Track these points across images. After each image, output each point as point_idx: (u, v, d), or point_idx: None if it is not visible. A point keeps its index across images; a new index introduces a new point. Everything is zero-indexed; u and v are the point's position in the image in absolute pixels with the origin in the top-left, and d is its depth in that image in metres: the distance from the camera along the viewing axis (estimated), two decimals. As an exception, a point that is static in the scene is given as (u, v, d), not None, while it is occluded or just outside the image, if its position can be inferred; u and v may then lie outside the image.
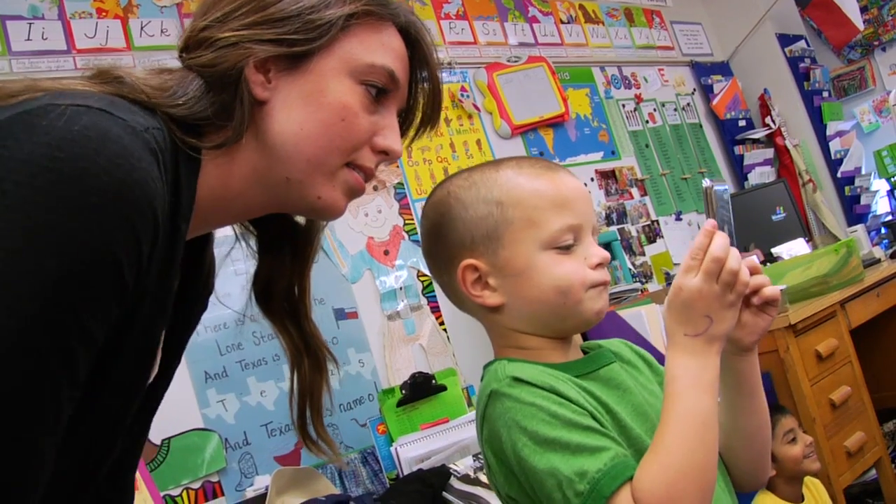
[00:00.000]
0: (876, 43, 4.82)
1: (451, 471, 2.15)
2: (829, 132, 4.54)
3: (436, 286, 2.88)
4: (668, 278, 3.57)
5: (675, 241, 3.92)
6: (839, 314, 2.91)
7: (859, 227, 3.93)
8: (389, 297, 2.84)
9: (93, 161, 0.62)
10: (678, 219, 4.00)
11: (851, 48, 4.89)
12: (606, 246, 3.27)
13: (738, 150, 4.45)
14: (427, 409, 2.46)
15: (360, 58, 0.84)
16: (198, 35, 0.82)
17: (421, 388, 2.46)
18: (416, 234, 2.98)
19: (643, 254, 3.76)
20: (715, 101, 4.45)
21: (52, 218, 0.60)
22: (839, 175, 4.52)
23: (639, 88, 4.18)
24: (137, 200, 0.65)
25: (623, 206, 3.78)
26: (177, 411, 2.27)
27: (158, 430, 2.23)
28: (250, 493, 2.21)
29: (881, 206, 4.60)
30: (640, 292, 3.14)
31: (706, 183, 0.95)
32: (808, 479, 2.51)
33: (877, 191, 4.61)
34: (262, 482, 2.24)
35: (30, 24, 2.34)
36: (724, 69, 4.66)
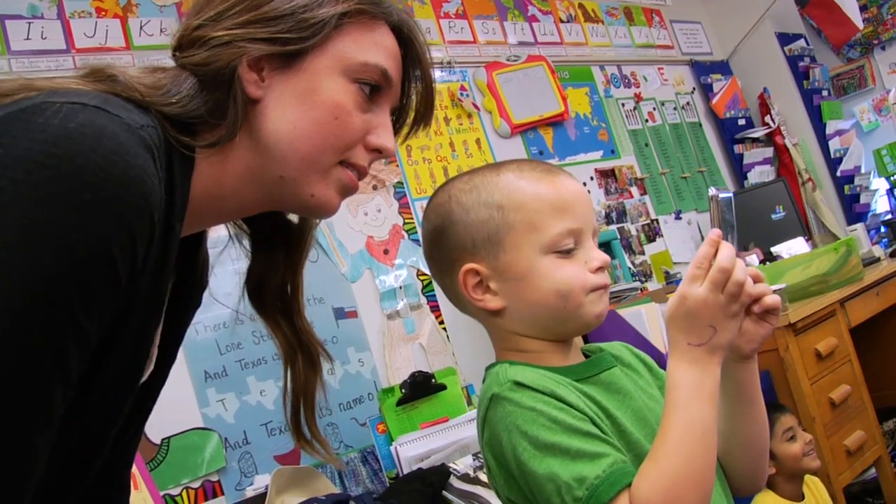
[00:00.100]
0: (875, 42, 4.82)
1: (450, 470, 2.15)
2: (828, 131, 4.54)
3: (436, 287, 2.88)
4: (668, 277, 3.57)
5: (675, 240, 3.92)
6: (839, 313, 2.91)
7: (859, 226, 3.93)
8: (389, 296, 2.84)
9: (89, 158, 0.62)
10: (678, 218, 4.00)
11: (851, 47, 4.89)
12: (606, 245, 3.28)
13: (737, 149, 4.45)
14: (427, 408, 2.46)
15: (354, 56, 0.85)
16: (191, 34, 0.82)
17: (420, 387, 2.46)
18: (416, 233, 2.98)
19: (643, 253, 3.76)
20: (714, 100, 4.45)
21: (48, 214, 0.60)
22: (839, 174, 4.52)
23: (638, 87, 4.18)
24: (134, 197, 0.65)
25: (622, 205, 3.78)
26: (176, 410, 2.27)
27: (158, 430, 2.23)
28: (250, 492, 2.21)
29: (881, 204, 4.60)
30: (639, 291, 3.14)
31: (712, 191, 0.95)
32: (808, 477, 2.51)
33: (876, 189, 4.60)
34: (261, 481, 2.24)
35: (29, 23, 2.34)
36: (723, 68, 4.66)
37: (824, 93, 4.64)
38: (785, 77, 4.56)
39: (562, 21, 3.97)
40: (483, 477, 2.04)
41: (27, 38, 2.33)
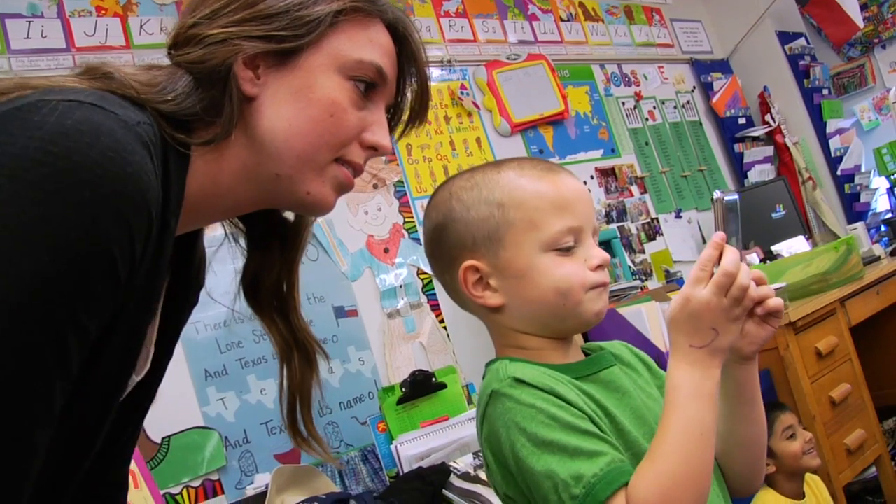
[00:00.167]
0: (876, 40, 4.82)
1: (451, 468, 2.15)
2: (828, 130, 4.54)
3: (437, 285, 2.88)
4: (668, 276, 3.57)
5: (675, 239, 3.92)
6: (839, 312, 2.91)
7: (859, 225, 3.93)
8: (389, 295, 2.84)
9: (86, 155, 0.62)
10: (678, 216, 4.00)
11: (851, 46, 4.88)
12: (606, 244, 3.27)
13: (737, 147, 4.45)
14: (427, 406, 2.46)
15: (349, 54, 0.85)
16: (186, 32, 0.82)
17: (421, 385, 2.46)
18: (416, 231, 2.98)
19: (643, 251, 3.76)
20: (715, 99, 4.45)
21: (46, 212, 0.60)
22: (839, 173, 4.52)
23: (638, 86, 4.18)
24: (131, 194, 0.65)
25: (623, 203, 3.78)
26: (177, 409, 2.27)
27: (158, 429, 2.23)
28: (250, 491, 2.21)
29: (881, 203, 4.60)
30: (639, 290, 3.14)
31: (716, 194, 0.95)
32: (808, 476, 2.51)
33: (876, 188, 4.60)
34: (262, 480, 2.24)
35: (29, 22, 2.34)
36: (723, 67, 4.66)
37: (825, 91, 4.63)
38: (785, 76, 4.56)
39: (562, 20, 3.97)
40: (483, 475, 2.04)
41: (27, 37, 2.33)
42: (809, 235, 4.05)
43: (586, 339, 1.19)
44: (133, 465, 1.86)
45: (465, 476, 2.11)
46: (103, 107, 0.67)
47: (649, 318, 2.65)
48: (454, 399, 2.51)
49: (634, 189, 3.87)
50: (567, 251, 0.99)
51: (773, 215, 4.04)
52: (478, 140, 3.35)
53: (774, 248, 3.51)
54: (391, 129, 0.95)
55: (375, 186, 2.95)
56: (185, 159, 0.79)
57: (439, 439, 2.31)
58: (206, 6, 0.82)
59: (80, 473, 0.78)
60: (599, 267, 1.00)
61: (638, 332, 2.61)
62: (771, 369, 2.65)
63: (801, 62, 4.59)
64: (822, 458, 2.49)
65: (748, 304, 0.91)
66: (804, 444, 2.42)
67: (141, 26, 2.54)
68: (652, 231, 3.85)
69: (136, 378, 0.85)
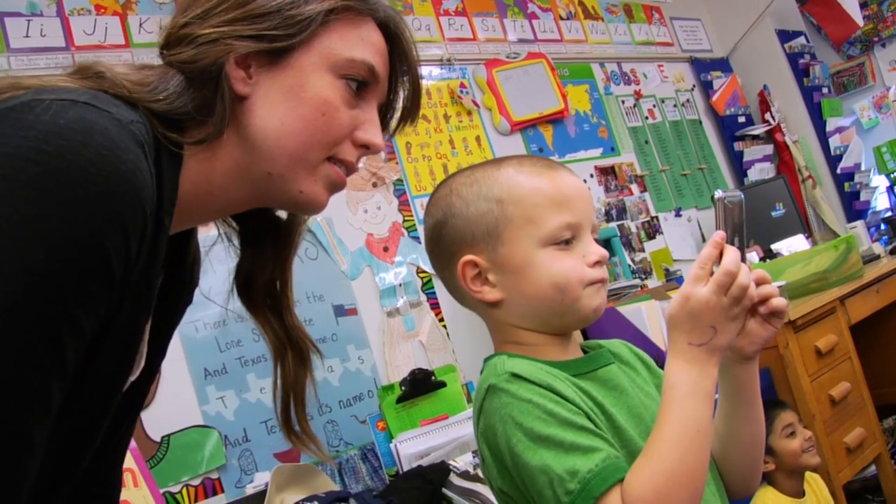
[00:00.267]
0: (876, 39, 4.82)
1: (450, 467, 2.15)
2: (828, 128, 4.54)
3: (437, 282, 2.89)
4: (668, 274, 3.57)
5: (675, 238, 3.92)
6: (839, 310, 2.91)
7: (859, 224, 3.93)
8: (389, 293, 2.84)
9: (80, 154, 0.63)
10: (678, 215, 4.00)
11: (851, 44, 4.88)
12: (606, 242, 3.27)
13: (737, 146, 4.45)
14: (426, 405, 2.46)
15: (340, 53, 0.85)
16: (178, 32, 0.83)
17: (420, 384, 2.46)
18: (416, 230, 2.98)
19: (643, 250, 3.76)
20: (714, 98, 4.45)
21: (41, 210, 0.61)
22: (839, 171, 4.52)
23: (638, 84, 4.18)
24: (126, 192, 0.65)
25: (622, 202, 3.78)
26: (176, 408, 2.27)
27: (158, 427, 2.23)
28: (250, 489, 2.21)
29: (881, 202, 4.60)
30: (639, 288, 3.14)
31: (718, 194, 0.95)
32: (808, 474, 2.52)
33: (876, 187, 4.60)
34: (261, 479, 2.24)
35: (28, 20, 2.34)
36: (723, 65, 4.66)
37: (824, 90, 4.64)
38: (785, 74, 4.56)
39: (562, 18, 3.97)
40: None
41: (26, 36, 2.33)
42: (809, 234, 4.06)
43: (585, 338, 1.19)
44: (133, 464, 1.86)
45: (465, 475, 2.11)
46: (96, 105, 0.67)
47: (649, 316, 2.65)
48: (454, 397, 2.51)
49: (634, 187, 3.87)
50: (565, 247, 0.99)
51: (773, 214, 4.04)
52: (477, 139, 3.35)
53: (774, 246, 3.51)
54: (383, 128, 0.95)
55: (375, 185, 2.95)
56: (177, 158, 0.79)
57: (439, 438, 2.31)
58: (197, 6, 0.83)
59: (78, 473, 0.78)
60: (597, 263, 1.00)
61: (637, 331, 2.61)
62: (771, 368, 2.65)
63: (801, 60, 4.60)
64: (821, 457, 2.49)
65: (747, 303, 0.91)
66: (804, 443, 2.43)
67: (140, 25, 2.54)
68: (652, 229, 3.85)
69: (132, 377, 0.85)
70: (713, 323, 0.90)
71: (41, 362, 0.62)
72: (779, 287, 0.99)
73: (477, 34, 3.56)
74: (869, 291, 3.10)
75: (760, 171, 4.40)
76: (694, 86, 4.49)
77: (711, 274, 0.90)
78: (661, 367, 0.99)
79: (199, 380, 2.35)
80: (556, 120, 3.65)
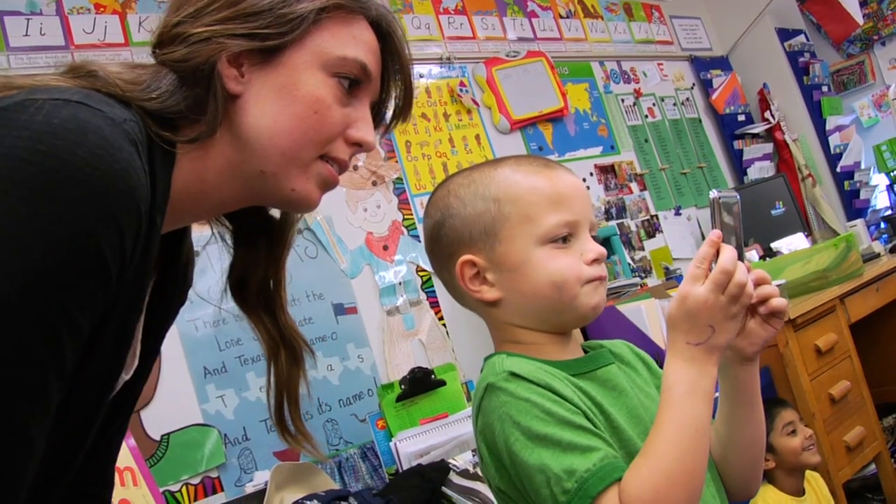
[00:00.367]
0: (875, 37, 4.81)
1: (450, 465, 2.15)
2: (828, 127, 4.54)
3: (437, 281, 2.88)
4: (668, 273, 3.57)
5: (675, 236, 3.92)
6: (838, 309, 2.91)
7: (858, 222, 3.93)
8: (388, 292, 2.84)
9: (74, 153, 0.63)
10: (677, 213, 4.00)
11: (851, 42, 4.88)
12: (606, 241, 3.27)
13: (737, 144, 4.45)
14: (426, 404, 2.46)
15: (332, 51, 0.85)
16: (171, 31, 0.83)
17: (420, 383, 2.46)
18: (416, 229, 2.98)
19: (642, 248, 3.76)
20: (714, 96, 4.45)
21: (36, 210, 0.61)
22: (838, 170, 4.52)
23: (638, 83, 4.17)
24: (120, 192, 0.65)
25: (622, 200, 3.78)
26: (176, 407, 2.27)
27: (157, 426, 2.23)
28: (250, 488, 2.21)
29: (880, 200, 4.60)
30: (639, 287, 3.14)
31: (713, 194, 0.94)
32: (808, 473, 2.52)
33: (876, 185, 4.60)
34: (261, 477, 2.24)
35: (28, 19, 2.34)
36: (723, 64, 4.66)
37: (824, 88, 4.63)
38: (785, 73, 4.56)
39: (561, 17, 3.97)
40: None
41: (26, 35, 2.32)
42: (809, 232, 4.06)
43: (586, 337, 1.19)
44: (132, 463, 1.86)
45: (465, 473, 2.11)
46: (89, 105, 0.67)
47: (648, 315, 2.65)
48: (453, 396, 2.51)
49: (634, 186, 3.87)
50: (563, 245, 0.99)
51: (773, 212, 4.04)
52: (477, 137, 3.35)
53: (774, 245, 3.51)
54: (376, 126, 0.95)
55: (374, 184, 2.95)
56: (170, 157, 0.79)
57: (439, 436, 2.31)
58: (189, 5, 0.83)
59: (71, 472, 0.78)
60: (595, 261, 1.00)
61: (637, 330, 2.61)
62: (770, 366, 2.65)
63: (801, 59, 4.59)
64: (821, 456, 2.49)
65: (746, 301, 0.91)
66: (804, 441, 2.43)
67: (140, 23, 2.54)
68: (651, 228, 3.85)
69: (126, 377, 0.85)
70: (711, 322, 0.89)
71: (41, 361, 0.62)
72: (778, 286, 0.99)
73: (476, 33, 3.55)
74: (869, 290, 3.10)
75: (760, 170, 4.40)
76: (693, 84, 4.49)
77: (709, 273, 0.90)
78: (662, 366, 0.99)
79: (199, 378, 2.35)
80: (555, 118, 3.65)
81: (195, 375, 2.34)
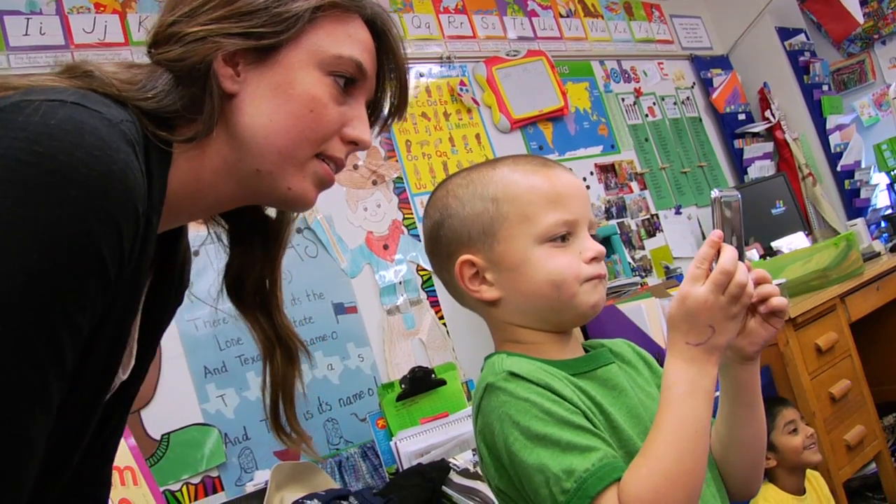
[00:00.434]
0: (876, 36, 4.81)
1: (450, 465, 2.15)
2: (828, 126, 4.54)
3: (437, 282, 2.88)
4: (668, 272, 3.57)
5: (675, 235, 3.92)
6: (839, 308, 2.91)
7: (859, 221, 3.93)
8: (389, 291, 2.84)
9: (71, 154, 0.63)
10: (678, 213, 4.00)
11: (851, 41, 4.88)
12: (606, 240, 3.27)
13: (737, 143, 4.45)
14: (427, 403, 2.46)
15: (328, 49, 0.85)
16: (166, 30, 0.83)
17: (420, 382, 2.46)
18: (416, 228, 2.98)
19: (643, 248, 3.76)
20: (714, 95, 4.45)
21: (34, 212, 0.61)
22: (839, 169, 4.52)
23: (638, 82, 4.17)
24: (118, 192, 0.65)
25: (622, 199, 3.78)
26: (176, 406, 2.27)
27: (158, 426, 2.23)
28: (250, 487, 2.21)
29: (881, 199, 4.60)
30: (639, 286, 3.14)
31: (715, 193, 0.94)
32: (809, 472, 2.52)
33: (876, 184, 4.60)
34: (261, 477, 2.24)
35: (28, 18, 2.34)
36: (723, 63, 4.66)
37: (825, 87, 4.63)
38: (785, 72, 4.56)
39: (561, 16, 3.97)
40: (483, 472, 2.04)
41: (26, 34, 2.32)
42: (809, 231, 4.06)
43: (586, 336, 1.19)
44: (132, 462, 1.86)
45: (465, 472, 2.11)
46: (86, 105, 0.67)
47: (649, 314, 2.65)
48: (454, 395, 2.51)
49: (634, 185, 3.87)
50: (561, 244, 0.99)
51: (773, 211, 4.04)
52: (477, 136, 3.34)
53: (774, 244, 3.51)
54: (371, 124, 0.95)
55: (375, 183, 2.95)
56: (166, 157, 0.79)
57: (439, 436, 2.31)
58: (185, 4, 0.83)
59: (68, 473, 0.78)
60: (594, 259, 1.00)
61: (638, 329, 2.61)
62: (771, 365, 2.65)
63: (801, 58, 4.59)
64: (822, 455, 2.49)
65: (746, 301, 0.91)
66: (806, 439, 2.43)
67: (140, 23, 2.54)
68: (652, 227, 3.85)
69: (123, 377, 0.85)
70: (711, 322, 0.89)
71: (41, 362, 0.62)
72: (779, 285, 0.99)
73: (477, 32, 3.55)
74: (869, 289, 3.10)
75: (760, 169, 4.40)
76: (694, 83, 4.49)
77: (709, 273, 0.90)
78: (663, 365, 0.99)
79: (199, 378, 2.35)
80: (555, 117, 3.65)
81: (195, 375, 2.34)
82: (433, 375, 2.51)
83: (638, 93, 4.13)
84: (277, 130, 0.83)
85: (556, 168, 1.05)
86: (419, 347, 2.84)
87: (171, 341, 2.32)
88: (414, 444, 2.29)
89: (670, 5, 4.56)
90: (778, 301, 0.95)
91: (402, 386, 2.45)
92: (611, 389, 1.01)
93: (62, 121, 0.64)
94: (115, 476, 1.81)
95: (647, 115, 4.12)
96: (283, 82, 0.83)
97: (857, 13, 4.42)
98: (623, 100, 4.04)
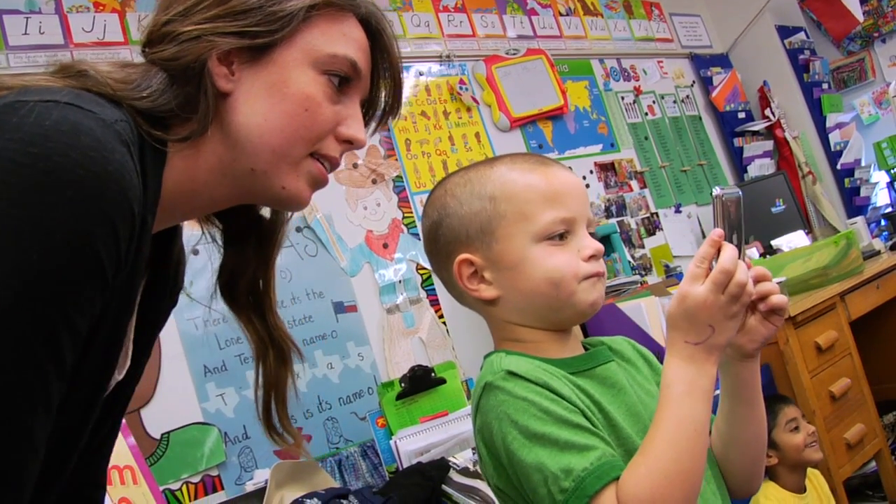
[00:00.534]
0: (876, 34, 4.81)
1: (450, 464, 2.15)
2: (828, 124, 4.54)
3: (437, 280, 2.88)
4: (668, 270, 3.57)
5: (675, 234, 3.92)
6: (839, 306, 2.91)
7: (859, 219, 3.93)
8: (388, 290, 2.84)
9: (66, 155, 0.63)
10: (677, 211, 4.00)
11: (851, 40, 4.87)
12: (605, 238, 3.27)
13: (737, 142, 4.44)
14: (426, 402, 2.46)
15: (322, 48, 0.85)
16: (160, 29, 0.83)
17: (420, 381, 2.46)
18: (415, 227, 2.98)
19: (643, 246, 3.76)
20: (714, 94, 4.45)
21: (30, 213, 0.61)
22: (839, 167, 4.51)
23: (638, 81, 4.17)
24: (114, 193, 0.65)
25: (622, 198, 3.78)
26: (176, 405, 2.27)
27: (158, 425, 2.23)
28: (250, 486, 2.22)
29: (881, 197, 4.59)
30: (639, 285, 3.14)
31: (716, 191, 0.94)
32: (809, 471, 2.52)
33: (876, 182, 4.59)
34: (261, 476, 2.25)
35: (27, 18, 2.33)
36: (723, 61, 4.66)
37: (824, 86, 4.63)
38: (785, 70, 4.55)
39: (561, 14, 3.97)
40: (483, 471, 2.04)
41: (25, 33, 2.32)
42: (809, 230, 4.05)
43: (586, 335, 1.19)
44: (132, 462, 1.86)
45: (465, 471, 2.11)
46: (80, 105, 0.67)
47: (648, 313, 2.65)
48: (453, 394, 2.51)
49: (634, 184, 3.87)
50: (559, 242, 0.99)
51: (773, 210, 4.04)
52: (477, 135, 3.34)
53: (774, 242, 3.50)
54: (366, 123, 0.95)
55: (374, 182, 2.95)
56: (161, 156, 0.79)
57: (439, 434, 2.31)
58: (179, 3, 0.83)
59: (66, 473, 0.78)
60: (593, 257, 1.00)
61: (637, 328, 2.61)
62: (771, 364, 2.65)
63: (801, 56, 4.59)
64: (821, 453, 2.49)
65: (746, 300, 0.91)
66: (807, 437, 2.43)
67: (139, 21, 2.54)
68: (651, 226, 3.85)
69: (119, 377, 0.85)
70: (710, 321, 0.89)
71: (41, 362, 0.62)
72: (779, 283, 0.99)
73: (476, 30, 3.55)
74: (869, 287, 3.10)
75: (760, 167, 4.40)
76: (694, 82, 4.48)
77: (709, 272, 0.90)
78: (662, 362, 0.99)
79: (199, 377, 2.35)
80: (555, 116, 3.65)
81: (195, 374, 2.34)
82: (433, 374, 2.51)
83: (638, 91, 4.13)
84: (272, 129, 0.83)
85: (554, 166, 1.04)
86: (419, 346, 2.84)
87: (170, 340, 2.32)
88: (414, 442, 2.29)
89: (670, 4, 4.56)
90: (778, 299, 0.95)
91: (402, 385, 2.46)
92: (610, 388, 1.01)
93: (57, 122, 0.64)
94: (115, 475, 1.81)
95: (646, 114, 4.12)
96: (278, 81, 0.83)
97: (857, 11, 4.42)
98: (623, 98, 4.04)
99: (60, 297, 0.63)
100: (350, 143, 0.90)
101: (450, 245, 1.04)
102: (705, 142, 4.37)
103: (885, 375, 3.32)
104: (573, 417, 0.89)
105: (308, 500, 1.89)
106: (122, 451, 1.85)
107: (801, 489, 2.46)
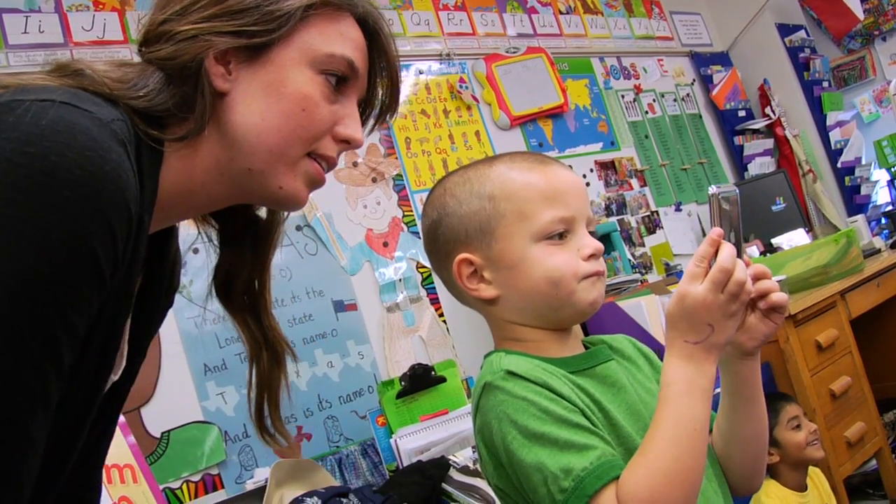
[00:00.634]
0: (876, 32, 4.80)
1: (450, 462, 2.15)
2: (829, 122, 4.53)
3: (437, 279, 2.88)
4: (668, 269, 3.57)
5: (675, 232, 3.92)
6: (839, 304, 2.91)
7: (859, 218, 3.93)
8: (389, 288, 2.84)
9: (63, 155, 0.62)
10: (678, 209, 4.00)
11: (851, 38, 4.87)
12: (606, 237, 3.27)
13: (737, 140, 4.44)
14: (426, 400, 2.46)
15: (319, 48, 0.85)
16: (157, 29, 0.82)
17: (420, 379, 2.47)
18: (415, 225, 2.98)
19: (643, 245, 3.76)
20: (714, 92, 4.45)
21: (27, 213, 0.60)
22: (839, 165, 4.51)
23: (638, 79, 4.17)
24: (111, 193, 0.65)
25: (622, 196, 3.78)
26: (176, 404, 2.28)
27: (158, 424, 2.23)
28: (250, 485, 2.22)
29: (881, 196, 4.59)
30: (639, 283, 3.14)
31: (712, 190, 0.94)
32: (810, 469, 2.51)
33: (877, 181, 4.59)
34: (261, 474, 2.25)
35: (27, 16, 2.33)
36: (723, 59, 4.65)
37: (825, 84, 4.62)
38: (785, 68, 4.55)
39: (561, 12, 3.96)
40: (483, 469, 2.04)
41: (25, 32, 2.32)
42: (810, 228, 4.05)
43: (586, 333, 1.19)
44: (132, 460, 1.86)
45: (465, 470, 2.11)
46: (77, 105, 0.67)
47: (649, 311, 2.65)
48: (454, 393, 2.51)
49: (634, 182, 3.87)
50: (559, 241, 0.99)
51: (774, 208, 4.03)
52: (477, 134, 3.34)
53: (774, 240, 3.50)
54: (363, 123, 0.95)
55: (374, 180, 2.95)
56: (158, 156, 0.79)
57: (439, 433, 2.31)
58: (176, 3, 0.82)
59: (64, 474, 0.78)
60: (592, 256, 1.00)
61: (637, 326, 2.61)
62: (771, 362, 2.65)
63: (801, 54, 4.58)
64: (823, 451, 2.49)
65: (745, 298, 0.91)
66: (809, 435, 2.42)
67: (139, 20, 2.53)
68: (652, 224, 3.85)
69: (115, 377, 0.85)
70: (710, 321, 0.89)
71: (39, 363, 0.62)
72: (779, 281, 0.99)
73: (476, 29, 3.55)
74: (869, 285, 3.10)
75: (761, 166, 4.40)
76: (694, 80, 4.48)
77: (708, 271, 0.90)
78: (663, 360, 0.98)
79: (199, 375, 2.35)
80: (555, 114, 3.65)
81: (195, 372, 2.34)
82: (433, 373, 2.51)
83: (638, 89, 4.12)
84: (269, 129, 0.83)
85: (553, 165, 1.04)
86: (419, 345, 2.84)
87: (171, 339, 2.32)
88: (414, 441, 2.29)
89: (670, 2, 4.56)
90: (778, 297, 0.95)
91: (402, 383, 2.46)
92: (610, 386, 1.01)
93: (53, 121, 0.64)
94: (115, 474, 1.81)
95: (646, 112, 4.11)
96: (275, 81, 0.83)
97: (858, 9, 4.41)
98: (623, 96, 4.04)
99: (58, 297, 0.62)
100: (347, 143, 0.89)
101: (449, 244, 1.04)
102: (705, 140, 4.37)
103: (886, 374, 3.32)
104: (573, 417, 0.89)
105: (308, 499, 1.89)
106: (122, 450, 1.85)
107: (802, 487, 2.46)
